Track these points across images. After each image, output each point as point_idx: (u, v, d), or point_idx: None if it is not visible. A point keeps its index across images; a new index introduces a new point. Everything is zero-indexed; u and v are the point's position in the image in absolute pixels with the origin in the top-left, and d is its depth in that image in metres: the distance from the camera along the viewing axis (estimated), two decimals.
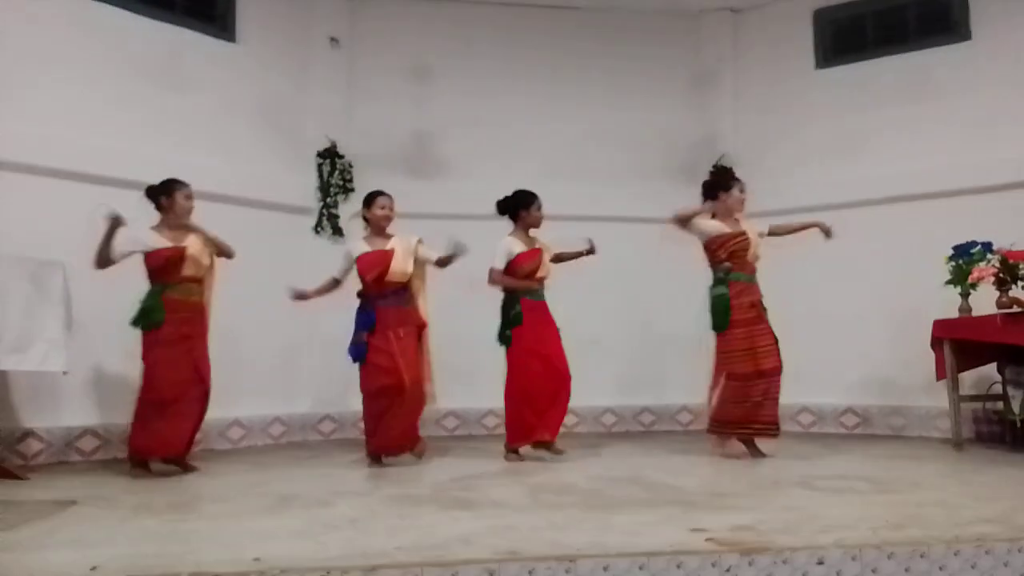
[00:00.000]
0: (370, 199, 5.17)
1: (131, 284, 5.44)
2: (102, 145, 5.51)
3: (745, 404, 4.91)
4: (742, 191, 5.13)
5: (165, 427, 4.53)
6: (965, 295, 5.46)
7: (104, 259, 4.52)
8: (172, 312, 4.61)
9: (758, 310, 4.99)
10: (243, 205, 6.07)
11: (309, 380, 6.56)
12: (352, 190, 6.81)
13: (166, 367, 4.54)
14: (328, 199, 6.76)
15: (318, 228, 6.75)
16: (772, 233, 5.23)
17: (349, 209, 6.81)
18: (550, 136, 7.21)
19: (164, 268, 4.63)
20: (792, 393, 5.96)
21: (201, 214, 5.53)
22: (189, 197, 4.75)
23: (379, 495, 3.83)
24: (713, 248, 5.06)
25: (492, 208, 6.81)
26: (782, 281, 5.32)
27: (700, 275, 5.30)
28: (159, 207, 4.73)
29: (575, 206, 6.44)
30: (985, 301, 5.28)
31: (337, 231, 6.75)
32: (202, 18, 6.29)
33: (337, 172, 6.78)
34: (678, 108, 7.49)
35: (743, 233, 5.04)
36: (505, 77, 7.29)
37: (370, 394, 4.91)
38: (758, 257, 5.10)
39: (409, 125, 7.15)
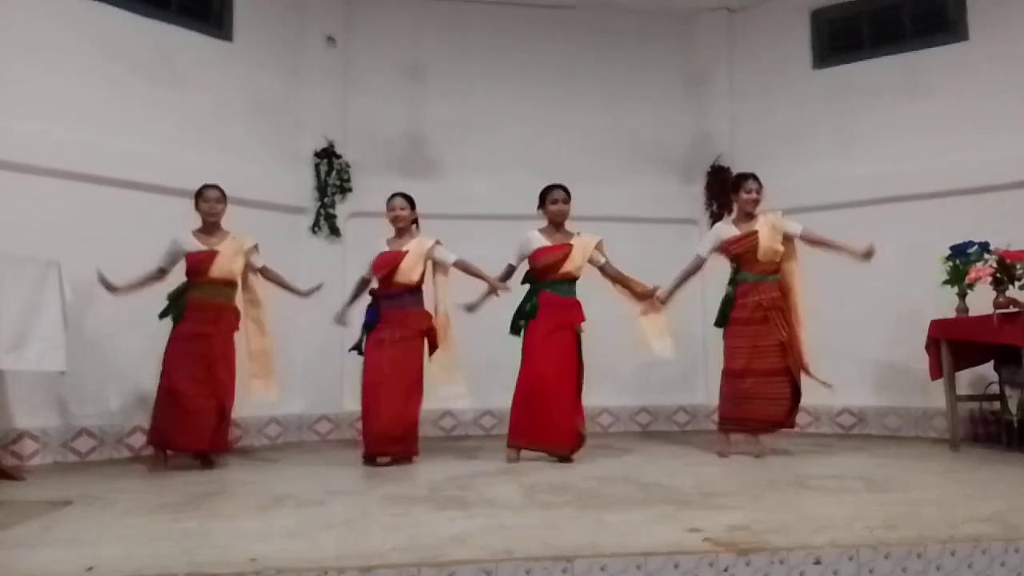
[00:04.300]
0: (388, 201, 5.19)
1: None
2: (97, 144, 5.50)
3: (736, 400, 5.01)
4: (749, 191, 5.13)
5: (178, 420, 4.69)
6: (962, 295, 5.46)
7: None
8: (193, 310, 4.85)
9: (765, 310, 5.01)
10: (239, 205, 5.99)
11: (305, 380, 6.54)
12: (349, 190, 6.81)
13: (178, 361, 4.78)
14: (325, 199, 6.75)
15: (315, 228, 6.74)
16: (805, 238, 5.13)
17: (346, 209, 6.81)
18: (546, 136, 7.20)
19: (193, 269, 4.90)
20: None
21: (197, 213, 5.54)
22: (208, 201, 5.00)
23: (374, 495, 3.82)
24: (725, 253, 5.19)
25: (486, 207, 6.83)
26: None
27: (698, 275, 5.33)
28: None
29: (572, 206, 6.44)
30: (982, 301, 5.28)
31: (334, 231, 6.75)
32: (197, 17, 6.28)
33: (334, 172, 6.77)
34: (674, 108, 7.49)
35: (751, 234, 5.06)
36: (501, 77, 7.29)
37: (363, 388, 4.97)
38: (775, 253, 5.06)
39: (405, 124, 7.14)
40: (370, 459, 4.90)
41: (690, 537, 2.65)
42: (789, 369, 4.97)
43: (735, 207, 5.28)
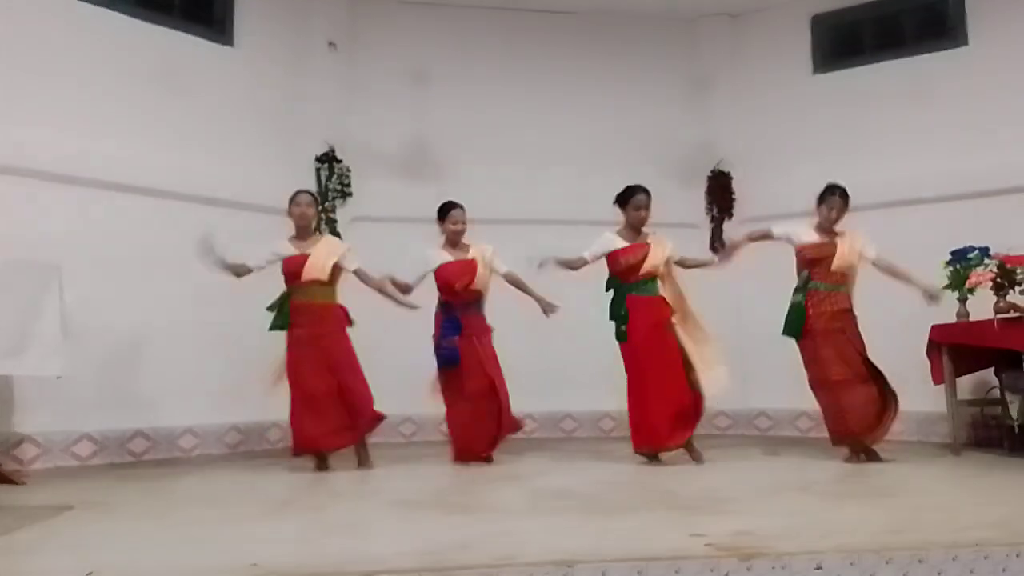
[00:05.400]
0: (444, 213, 5.23)
1: (133, 288, 5.47)
2: (100, 149, 5.49)
3: (839, 410, 4.97)
4: (831, 208, 5.07)
5: (320, 422, 4.84)
6: (962, 300, 5.46)
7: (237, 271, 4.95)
8: (298, 314, 4.93)
9: (843, 320, 5.03)
10: (241, 209, 6.06)
11: None
12: (350, 195, 6.82)
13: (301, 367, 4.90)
14: (326, 203, 6.74)
15: (317, 232, 6.72)
16: (878, 264, 5.12)
17: (348, 214, 6.81)
18: (548, 140, 7.19)
19: (290, 273, 4.97)
20: (790, 398, 5.98)
21: (198, 218, 5.54)
22: (300, 205, 5.11)
23: (378, 500, 3.82)
24: (797, 256, 5.14)
25: (487, 212, 6.81)
26: (781, 285, 5.31)
27: (694, 278, 5.30)
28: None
29: (572, 210, 6.45)
30: (982, 306, 5.28)
31: (335, 236, 6.74)
32: (200, 22, 6.28)
33: (335, 177, 6.77)
34: (676, 113, 7.49)
35: (827, 244, 5.06)
36: (503, 81, 7.29)
37: (458, 398, 5.06)
38: (851, 266, 5.09)
39: (407, 129, 7.14)
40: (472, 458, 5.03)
41: (693, 542, 2.65)
42: (875, 375, 4.97)
43: (817, 218, 5.16)
